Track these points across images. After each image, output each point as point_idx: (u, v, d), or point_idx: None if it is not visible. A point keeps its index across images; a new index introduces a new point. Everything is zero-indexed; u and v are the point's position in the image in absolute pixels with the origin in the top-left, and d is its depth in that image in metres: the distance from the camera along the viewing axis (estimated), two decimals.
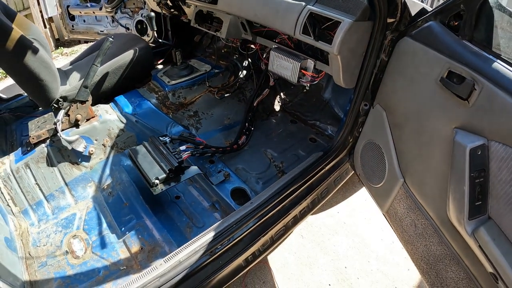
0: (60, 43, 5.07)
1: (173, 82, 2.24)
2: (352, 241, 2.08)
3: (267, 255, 1.77)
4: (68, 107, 1.79)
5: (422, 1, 1.34)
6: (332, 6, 1.34)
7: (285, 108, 2.34)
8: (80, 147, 1.76)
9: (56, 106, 1.76)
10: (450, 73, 1.01)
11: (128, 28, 2.85)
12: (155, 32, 2.35)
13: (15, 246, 1.47)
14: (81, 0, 3.05)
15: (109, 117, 1.94)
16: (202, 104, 2.23)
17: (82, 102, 1.81)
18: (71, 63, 2.26)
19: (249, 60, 2.36)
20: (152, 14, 2.11)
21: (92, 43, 2.42)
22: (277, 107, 2.34)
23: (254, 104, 2.14)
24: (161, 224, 1.57)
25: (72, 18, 3.15)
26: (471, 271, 1.03)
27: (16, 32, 1.44)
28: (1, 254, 1.28)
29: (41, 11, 4.59)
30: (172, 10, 2.31)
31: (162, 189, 1.54)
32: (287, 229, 1.50)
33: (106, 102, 2.08)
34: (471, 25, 0.99)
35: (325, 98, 2.23)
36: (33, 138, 1.72)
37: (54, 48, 4.88)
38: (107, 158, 1.86)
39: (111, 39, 1.79)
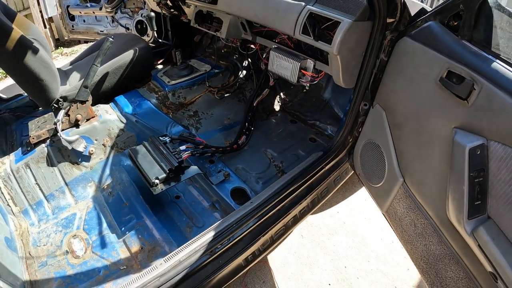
0: (60, 43, 5.08)
1: (173, 82, 2.24)
2: (352, 240, 2.08)
3: (267, 254, 1.78)
4: (68, 107, 1.80)
5: (421, 1, 1.34)
6: (331, 6, 1.34)
7: (285, 108, 2.34)
8: (80, 147, 1.77)
9: (56, 106, 1.76)
10: (449, 73, 1.01)
11: (128, 28, 2.85)
12: (155, 32, 2.35)
13: (15, 246, 1.47)
14: (81, 0, 3.06)
15: (109, 117, 1.94)
16: (202, 104, 2.24)
17: (82, 102, 1.81)
18: (71, 63, 2.27)
19: (249, 60, 2.36)
20: (152, 14, 2.11)
21: (92, 43, 2.42)
22: (277, 107, 2.35)
23: (254, 104, 2.14)
24: (161, 224, 1.57)
25: (72, 18, 3.15)
26: (471, 271, 1.04)
27: (16, 32, 1.44)
28: (1, 254, 1.28)
29: (41, 11, 4.59)
30: (172, 10, 2.31)
31: (162, 189, 1.55)
32: (287, 228, 1.50)
33: (106, 102, 2.09)
34: (471, 25, 0.99)
35: (325, 98, 2.23)
36: (33, 138, 1.72)
37: (54, 48, 4.88)
38: (107, 158, 1.86)
39: (111, 39, 1.79)
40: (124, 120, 1.97)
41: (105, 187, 1.77)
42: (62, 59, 4.68)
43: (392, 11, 1.21)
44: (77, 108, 1.81)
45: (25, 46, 1.48)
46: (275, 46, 1.73)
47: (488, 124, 0.91)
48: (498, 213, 0.91)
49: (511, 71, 0.87)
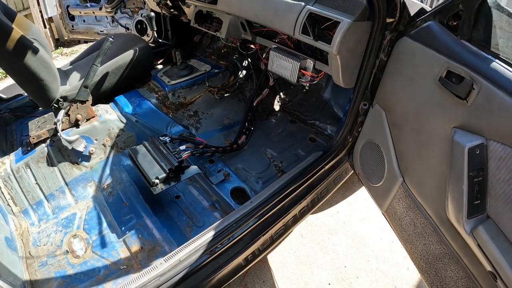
0: (60, 43, 5.08)
1: (173, 82, 2.24)
2: (352, 240, 2.08)
3: (267, 254, 1.78)
4: (68, 107, 1.80)
5: (421, 1, 1.34)
6: (331, 6, 1.34)
7: (285, 108, 2.34)
8: (80, 147, 1.77)
9: (56, 106, 1.76)
10: (449, 72, 1.01)
11: (128, 28, 2.85)
12: (155, 32, 2.35)
13: (16, 246, 1.47)
14: (81, 0, 3.06)
15: (109, 117, 1.94)
16: (202, 104, 2.24)
17: (82, 102, 1.81)
18: (71, 63, 2.27)
19: (249, 60, 2.36)
20: (152, 14, 2.11)
21: (92, 43, 2.42)
22: (276, 107, 2.35)
23: (254, 104, 2.15)
24: (161, 224, 1.57)
25: (72, 18, 3.15)
26: (470, 270, 1.04)
27: (16, 32, 1.44)
28: (1, 253, 1.28)
29: (41, 11, 4.59)
30: (172, 10, 2.31)
31: (162, 189, 1.55)
32: (286, 228, 1.50)
33: (106, 102, 2.09)
34: (470, 25, 0.99)
35: (324, 98, 2.24)
36: (33, 138, 1.72)
37: (54, 48, 4.89)
38: (107, 158, 1.86)
39: (111, 39, 1.79)
40: (124, 120, 1.98)
41: (105, 187, 1.77)
42: (62, 59, 4.68)
43: (391, 11, 1.21)
44: (77, 108, 1.81)
45: (25, 46, 1.48)
46: (275, 46, 1.73)
47: (487, 123, 0.91)
48: (498, 212, 0.91)
49: (510, 70, 0.87)
